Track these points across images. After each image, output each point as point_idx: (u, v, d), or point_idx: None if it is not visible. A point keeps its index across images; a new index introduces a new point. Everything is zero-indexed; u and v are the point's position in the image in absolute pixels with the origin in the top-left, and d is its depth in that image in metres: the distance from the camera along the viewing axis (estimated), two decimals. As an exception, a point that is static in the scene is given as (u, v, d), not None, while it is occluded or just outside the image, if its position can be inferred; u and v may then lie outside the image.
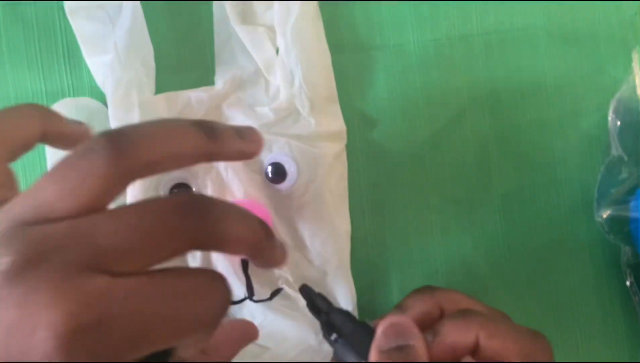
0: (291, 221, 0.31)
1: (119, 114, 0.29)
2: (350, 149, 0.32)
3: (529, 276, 0.33)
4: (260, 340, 0.30)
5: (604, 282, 0.33)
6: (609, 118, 0.31)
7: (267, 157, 0.30)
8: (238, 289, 0.31)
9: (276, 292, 0.31)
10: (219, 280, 0.20)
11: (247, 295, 0.30)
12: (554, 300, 0.33)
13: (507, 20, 0.33)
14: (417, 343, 0.23)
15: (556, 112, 0.33)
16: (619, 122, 0.31)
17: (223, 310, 0.20)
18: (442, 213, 0.33)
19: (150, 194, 0.30)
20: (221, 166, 0.30)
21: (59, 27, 0.32)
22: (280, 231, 0.31)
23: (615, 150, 0.31)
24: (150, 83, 0.31)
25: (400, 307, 0.26)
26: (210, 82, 0.31)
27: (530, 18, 0.33)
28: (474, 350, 0.23)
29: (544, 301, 0.33)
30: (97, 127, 0.27)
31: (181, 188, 0.30)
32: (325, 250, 0.31)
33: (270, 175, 0.30)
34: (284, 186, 0.30)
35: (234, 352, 0.26)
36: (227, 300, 0.21)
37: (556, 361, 0.32)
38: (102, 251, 0.18)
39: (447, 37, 0.33)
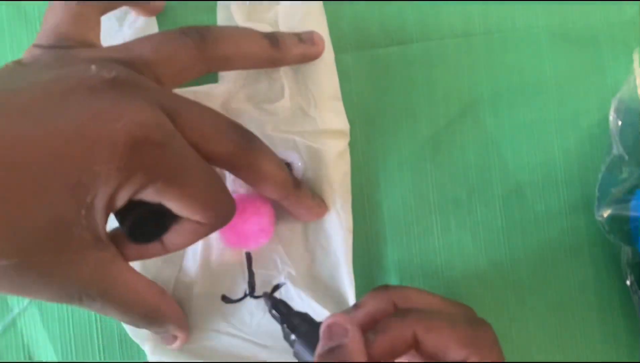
0: (296, 220, 0.31)
1: None
2: (351, 147, 0.32)
3: (529, 275, 0.33)
4: (259, 338, 0.30)
5: (604, 281, 0.33)
6: (610, 118, 0.31)
7: None
8: (240, 286, 0.31)
9: (277, 287, 0.31)
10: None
11: (247, 292, 0.31)
12: (554, 299, 0.33)
13: (509, 20, 0.33)
14: (350, 342, 0.23)
15: (557, 112, 0.33)
16: (619, 122, 0.31)
17: None
18: (442, 213, 0.33)
19: None
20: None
21: None
22: (284, 227, 0.31)
23: (616, 149, 0.31)
24: None
25: (355, 305, 0.27)
26: (214, 79, 0.31)
27: (532, 18, 0.33)
28: (414, 345, 0.24)
29: (544, 300, 0.33)
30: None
31: None
32: (329, 245, 0.31)
33: None
34: None
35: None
36: None
37: (556, 361, 0.32)
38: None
39: (449, 36, 0.33)
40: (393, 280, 0.32)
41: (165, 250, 0.26)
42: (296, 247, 0.31)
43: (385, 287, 0.27)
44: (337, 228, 0.30)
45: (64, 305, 0.32)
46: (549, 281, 0.33)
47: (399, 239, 0.32)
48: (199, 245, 0.30)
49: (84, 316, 0.32)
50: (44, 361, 0.31)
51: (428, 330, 0.24)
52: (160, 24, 0.32)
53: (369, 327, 0.24)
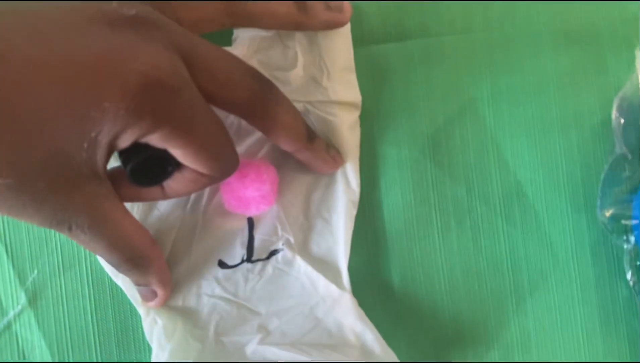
0: (301, 183, 0.31)
1: None
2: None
3: (530, 275, 0.32)
4: (252, 304, 0.30)
5: (606, 282, 0.33)
6: (613, 116, 0.31)
7: None
8: (237, 252, 0.31)
9: (274, 252, 0.31)
10: None
11: (245, 257, 0.31)
12: (555, 299, 0.33)
13: (510, 18, 0.33)
14: None
15: (559, 111, 0.33)
16: (622, 121, 0.31)
17: None
18: (442, 211, 0.32)
19: None
20: (232, 125, 0.31)
21: None
22: (287, 195, 0.31)
23: (619, 148, 0.31)
24: None
25: None
26: (228, 42, 0.31)
27: (533, 16, 0.33)
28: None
29: (546, 300, 0.32)
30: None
31: None
32: (330, 217, 0.31)
33: None
34: None
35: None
36: None
37: (558, 361, 0.32)
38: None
39: (448, 33, 0.33)
40: (393, 278, 0.32)
41: (164, 196, 0.26)
42: (297, 216, 0.31)
43: None
44: (342, 201, 0.31)
45: (60, 307, 0.31)
46: (550, 281, 0.33)
47: (399, 237, 0.32)
48: (200, 209, 0.31)
49: (80, 319, 0.31)
50: (39, 361, 0.31)
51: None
52: None
53: None
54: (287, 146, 0.28)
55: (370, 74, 0.32)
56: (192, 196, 0.31)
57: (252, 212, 0.30)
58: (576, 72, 0.33)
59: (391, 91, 0.32)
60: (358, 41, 0.32)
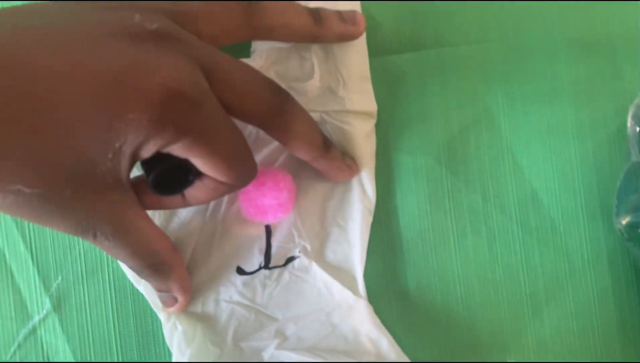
0: (318, 192, 0.31)
1: None
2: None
3: (546, 283, 0.32)
4: (269, 310, 0.31)
5: (623, 290, 0.32)
6: (628, 124, 0.31)
7: None
8: (255, 258, 0.31)
9: (291, 259, 0.31)
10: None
11: (262, 264, 0.31)
12: (571, 307, 0.32)
13: (525, 27, 0.33)
14: None
15: (574, 119, 0.33)
16: (637, 128, 0.31)
17: None
18: (457, 219, 0.32)
19: None
20: (251, 135, 0.31)
21: None
22: (304, 202, 0.31)
23: (635, 156, 0.31)
24: None
25: None
26: (246, 54, 0.32)
27: (548, 24, 0.33)
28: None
29: (562, 308, 0.32)
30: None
31: None
32: (347, 225, 0.31)
33: None
34: None
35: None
36: None
37: (558, 361, 0.32)
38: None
39: (463, 42, 0.33)
40: (409, 285, 0.32)
41: (185, 203, 0.27)
42: (313, 223, 0.31)
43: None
44: (358, 209, 0.31)
45: (83, 313, 0.32)
46: (566, 289, 0.32)
47: (415, 245, 0.32)
48: (219, 216, 0.31)
49: (102, 324, 0.32)
50: (63, 362, 0.32)
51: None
52: None
53: None
54: (303, 155, 0.28)
55: (386, 84, 0.33)
56: (211, 204, 0.31)
57: (269, 220, 0.31)
58: (591, 80, 0.33)
59: (406, 99, 0.33)
60: (373, 51, 0.32)
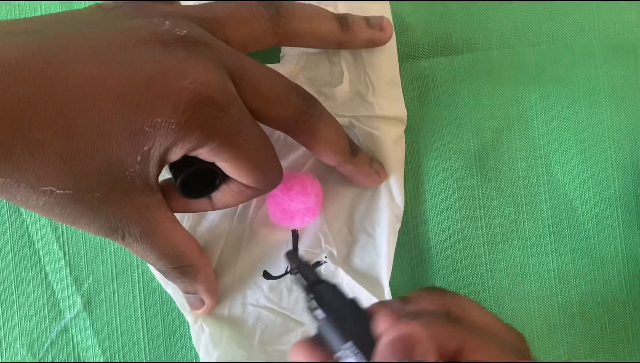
0: (345, 197, 0.31)
1: None
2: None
3: (579, 295, 0.32)
4: (295, 315, 0.31)
5: (660, 303, 0.32)
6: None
7: None
8: (281, 263, 0.31)
9: (317, 264, 0.31)
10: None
11: (289, 268, 0.31)
12: (606, 318, 0.32)
13: (560, 31, 0.32)
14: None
15: (611, 124, 0.32)
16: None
17: None
18: (488, 226, 0.32)
19: None
20: (279, 139, 0.31)
21: None
22: (331, 208, 0.31)
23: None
24: None
25: (405, 299, 0.24)
26: (276, 60, 0.32)
27: (585, 28, 0.32)
28: (452, 357, 0.21)
29: (596, 319, 0.32)
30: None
31: None
32: (374, 231, 0.31)
33: None
34: None
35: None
36: None
37: (559, 361, 0.31)
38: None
39: (496, 47, 0.32)
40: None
41: (212, 207, 0.27)
42: (340, 229, 0.31)
43: (443, 291, 0.24)
44: (386, 216, 0.31)
45: (112, 313, 0.33)
46: (600, 302, 0.32)
47: (444, 253, 0.32)
48: (247, 220, 0.31)
49: (131, 324, 0.32)
50: (93, 361, 0.32)
51: (476, 349, 0.21)
52: None
53: None
54: (330, 160, 0.28)
55: (417, 89, 0.32)
56: (239, 208, 0.31)
57: (296, 224, 0.31)
58: (629, 83, 0.32)
59: (437, 105, 0.32)
60: (404, 55, 0.32)
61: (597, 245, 0.32)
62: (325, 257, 0.31)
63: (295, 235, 0.31)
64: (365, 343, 0.21)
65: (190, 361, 0.32)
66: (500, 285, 0.32)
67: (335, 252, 0.31)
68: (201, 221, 0.31)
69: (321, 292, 0.23)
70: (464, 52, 0.33)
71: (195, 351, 0.31)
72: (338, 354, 0.21)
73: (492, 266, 0.32)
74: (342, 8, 0.31)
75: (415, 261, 0.32)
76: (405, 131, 0.32)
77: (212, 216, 0.31)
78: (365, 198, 0.31)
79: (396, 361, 0.20)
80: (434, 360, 0.20)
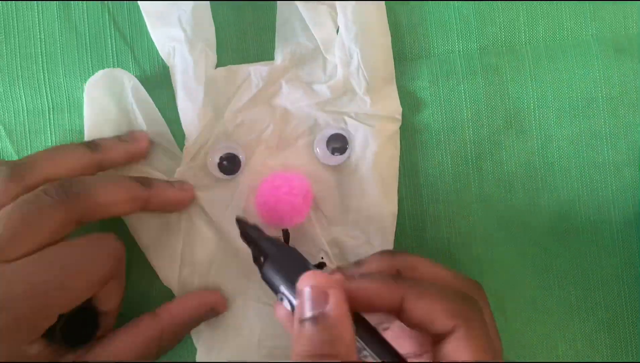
0: (336, 196, 0.31)
1: (191, 84, 0.31)
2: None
3: (578, 291, 0.32)
4: None
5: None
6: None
7: (322, 131, 0.31)
8: None
9: (319, 266, 0.31)
10: (105, 239, 0.27)
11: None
12: (604, 316, 0.32)
13: (557, 29, 0.32)
14: (333, 310, 0.22)
15: (609, 124, 0.32)
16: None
17: (112, 264, 0.26)
18: (486, 227, 0.32)
19: (199, 165, 0.31)
20: (269, 138, 0.31)
21: (108, 33, 0.33)
22: (324, 206, 0.31)
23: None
24: (213, 56, 0.32)
25: (356, 262, 0.27)
26: (270, 57, 0.32)
27: (581, 27, 0.32)
28: (398, 311, 0.23)
29: (596, 316, 0.32)
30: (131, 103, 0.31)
31: (229, 158, 0.31)
32: (368, 228, 0.31)
33: (325, 147, 0.31)
34: (337, 158, 0.31)
35: (188, 317, 0.29)
36: (117, 253, 0.27)
37: (558, 361, 0.31)
38: None
39: (493, 46, 0.32)
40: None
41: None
42: (332, 228, 0.31)
43: (392, 252, 0.26)
44: (378, 212, 0.31)
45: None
46: (598, 299, 0.32)
47: (441, 252, 0.32)
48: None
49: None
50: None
51: (417, 297, 0.23)
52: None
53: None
54: (131, 206, 0.28)
55: (414, 87, 0.32)
56: (229, 207, 0.31)
57: (285, 224, 0.30)
58: (627, 84, 0.32)
59: (434, 103, 0.32)
60: (402, 55, 0.32)
61: (594, 244, 0.32)
62: (322, 257, 0.31)
63: (286, 235, 0.31)
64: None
65: (190, 361, 0.31)
66: (499, 285, 0.32)
67: (329, 252, 0.31)
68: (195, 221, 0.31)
69: (264, 245, 0.26)
70: (460, 49, 0.32)
71: (194, 346, 0.31)
72: (279, 294, 0.25)
73: (490, 266, 0.32)
74: (339, 5, 0.31)
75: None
76: (403, 129, 0.32)
77: (203, 226, 0.31)
78: (356, 197, 0.31)
79: (306, 314, 0.22)
80: (345, 310, 0.22)
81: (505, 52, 0.32)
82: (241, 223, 0.27)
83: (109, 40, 0.33)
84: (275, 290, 0.25)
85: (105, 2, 0.33)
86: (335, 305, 0.22)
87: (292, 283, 0.24)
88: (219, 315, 0.30)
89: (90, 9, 0.33)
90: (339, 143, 0.31)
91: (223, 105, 0.31)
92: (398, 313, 0.24)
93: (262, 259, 0.26)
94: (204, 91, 0.31)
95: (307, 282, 0.23)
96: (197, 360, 0.31)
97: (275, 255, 0.26)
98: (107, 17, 0.33)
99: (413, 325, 0.24)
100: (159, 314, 0.28)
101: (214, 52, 0.32)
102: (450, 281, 0.26)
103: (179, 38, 0.31)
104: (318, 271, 0.24)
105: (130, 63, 0.32)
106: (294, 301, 0.24)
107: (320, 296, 0.22)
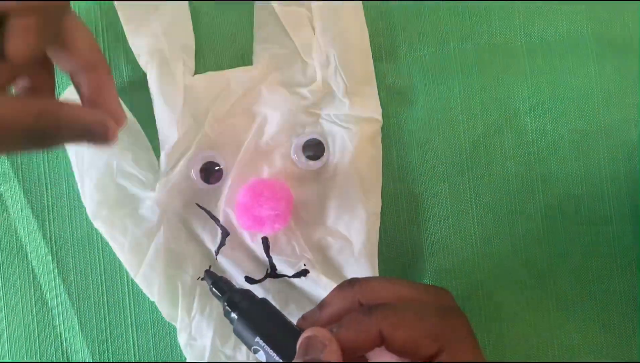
0: (316, 201, 0.31)
1: (168, 91, 0.30)
2: (386, 157, 0.32)
3: (573, 287, 0.32)
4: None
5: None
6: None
7: (299, 136, 0.31)
8: (262, 267, 0.31)
9: (302, 273, 0.31)
10: None
11: (269, 271, 0.31)
12: (597, 310, 0.32)
13: (552, 26, 0.32)
14: (327, 355, 0.22)
15: (604, 121, 0.32)
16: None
17: None
18: (481, 224, 0.32)
19: (181, 175, 0.31)
20: (250, 145, 0.31)
21: (101, 29, 0.32)
22: (305, 211, 0.31)
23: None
24: (191, 62, 0.31)
25: (320, 305, 0.26)
26: (248, 62, 0.32)
27: (577, 24, 0.32)
28: (381, 342, 0.23)
29: (588, 311, 0.32)
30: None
31: (210, 166, 0.31)
32: (348, 232, 0.31)
33: (301, 154, 0.31)
34: (313, 164, 0.31)
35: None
36: None
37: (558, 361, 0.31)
38: None
39: (488, 44, 0.32)
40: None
41: None
42: (312, 234, 0.31)
43: (350, 282, 0.25)
44: (361, 215, 0.30)
45: (101, 308, 0.32)
46: (594, 293, 0.32)
47: (437, 250, 0.32)
48: (218, 230, 0.31)
49: (120, 323, 0.32)
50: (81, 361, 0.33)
51: (395, 327, 0.23)
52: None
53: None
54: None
55: (409, 86, 0.32)
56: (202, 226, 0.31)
57: (266, 231, 0.30)
58: (622, 81, 0.32)
59: (429, 101, 0.32)
60: (396, 54, 0.32)
61: (590, 240, 0.32)
62: (305, 265, 0.31)
63: (266, 243, 0.31)
64: (272, 336, 0.24)
65: (182, 362, 0.32)
66: (495, 280, 0.32)
67: (311, 258, 0.31)
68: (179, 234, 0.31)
69: (234, 298, 0.26)
70: (456, 48, 0.32)
71: (183, 355, 0.31)
72: (253, 346, 0.24)
73: (486, 263, 0.32)
74: (315, 7, 0.30)
75: (406, 259, 0.32)
76: (393, 128, 0.32)
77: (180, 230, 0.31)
78: (336, 201, 0.31)
79: (302, 358, 0.23)
80: (334, 352, 0.22)
81: (501, 51, 0.32)
82: (211, 275, 0.27)
83: (101, 40, 0.32)
84: (249, 344, 0.25)
85: (98, 1, 0.32)
86: (330, 352, 0.22)
87: (266, 336, 0.24)
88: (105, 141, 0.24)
89: (82, 10, 0.32)
90: (312, 150, 0.31)
91: (202, 113, 0.31)
92: (379, 344, 0.23)
93: (233, 314, 0.25)
94: (183, 99, 0.30)
95: (305, 334, 0.23)
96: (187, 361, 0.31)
97: (248, 308, 0.25)
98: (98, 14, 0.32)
99: (400, 354, 0.23)
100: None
101: (192, 59, 0.31)
102: (422, 297, 0.25)
103: (157, 46, 0.30)
104: (317, 328, 0.23)
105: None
106: (271, 352, 0.24)
107: (318, 345, 0.23)
